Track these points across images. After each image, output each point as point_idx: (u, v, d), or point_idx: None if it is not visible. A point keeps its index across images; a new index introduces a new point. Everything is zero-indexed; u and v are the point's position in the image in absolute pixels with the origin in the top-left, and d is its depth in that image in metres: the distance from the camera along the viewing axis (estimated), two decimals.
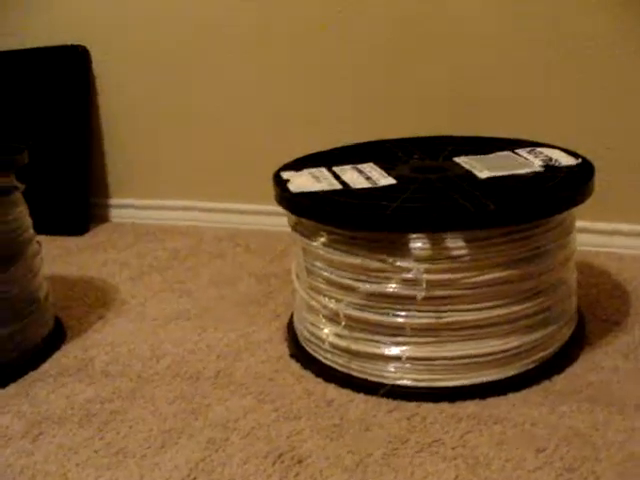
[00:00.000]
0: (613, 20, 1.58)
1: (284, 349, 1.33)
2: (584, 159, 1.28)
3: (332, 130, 1.83)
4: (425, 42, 1.74)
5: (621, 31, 1.58)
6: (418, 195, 1.14)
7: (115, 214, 2.19)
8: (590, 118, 1.65)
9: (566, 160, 1.28)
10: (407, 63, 1.77)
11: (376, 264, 1.11)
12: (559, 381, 1.17)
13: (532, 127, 1.61)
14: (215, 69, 1.97)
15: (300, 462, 1.03)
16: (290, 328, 1.37)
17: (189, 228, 2.05)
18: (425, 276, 1.09)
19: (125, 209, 2.17)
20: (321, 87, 1.87)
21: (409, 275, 1.09)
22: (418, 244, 1.09)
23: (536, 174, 1.22)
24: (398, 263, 1.10)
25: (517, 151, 1.35)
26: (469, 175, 1.23)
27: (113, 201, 2.19)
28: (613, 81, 1.61)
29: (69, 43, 2.05)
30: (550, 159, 1.29)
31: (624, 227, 1.68)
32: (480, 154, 1.34)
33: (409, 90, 1.79)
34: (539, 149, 1.35)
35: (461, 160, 1.31)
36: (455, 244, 1.08)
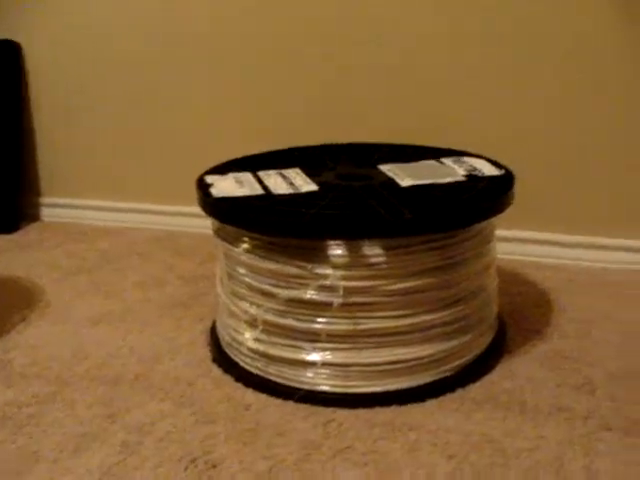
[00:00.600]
0: (525, 28, 1.60)
1: (206, 353, 1.33)
2: (506, 169, 1.30)
3: (266, 133, 1.83)
4: (354, 49, 1.75)
5: (543, 35, 1.60)
6: (337, 202, 1.14)
7: (47, 213, 2.17)
8: (515, 129, 1.67)
9: (489, 170, 1.30)
10: (338, 70, 1.78)
11: (295, 270, 1.12)
12: (475, 388, 1.19)
13: (463, 137, 1.62)
14: (148, 70, 1.96)
15: (214, 467, 1.02)
16: (213, 332, 1.37)
17: (120, 229, 2.04)
18: (342, 283, 1.09)
19: (57, 208, 2.15)
20: (254, 89, 1.87)
21: (326, 282, 1.10)
22: (335, 251, 1.09)
23: (457, 183, 1.23)
24: (316, 270, 1.10)
25: (442, 160, 1.36)
26: (391, 183, 1.24)
27: (45, 200, 2.17)
28: (537, 95, 1.64)
29: (1, 38, 2.03)
30: (473, 168, 1.30)
31: (550, 236, 1.71)
32: (406, 162, 1.35)
33: (342, 97, 1.79)
34: (464, 158, 1.37)
35: (385, 168, 1.32)
36: (372, 251, 1.09)
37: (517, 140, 1.67)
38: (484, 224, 1.20)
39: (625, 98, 1.59)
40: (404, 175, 1.26)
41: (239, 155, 1.44)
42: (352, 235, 1.08)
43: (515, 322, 1.40)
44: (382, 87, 1.75)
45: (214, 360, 1.30)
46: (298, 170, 1.32)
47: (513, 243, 1.68)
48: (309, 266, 1.11)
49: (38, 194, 2.17)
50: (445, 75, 1.70)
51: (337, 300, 1.10)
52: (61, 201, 2.14)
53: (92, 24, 1.97)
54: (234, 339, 1.25)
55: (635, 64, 1.56)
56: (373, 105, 1.77)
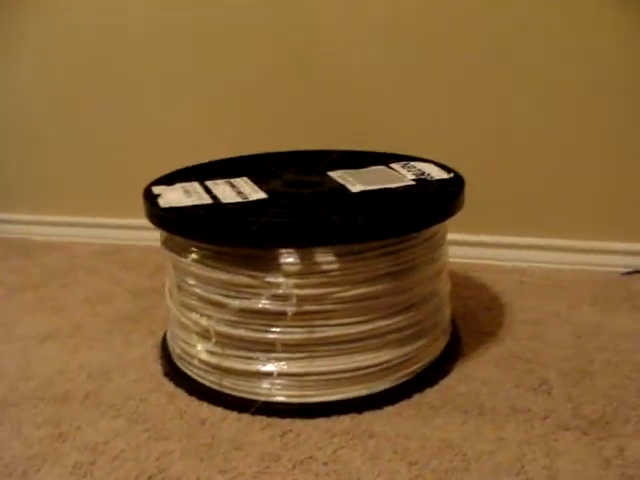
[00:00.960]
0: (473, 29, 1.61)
1: (158, 367, 1.30)
2: (456, 173, 1.30)
3: (212, 143, 1.81)
4: (305, 56, 1.74)
5: (483, 41, 1.61)
6: (287, 210, 1.12)
7: None
8: (462, 133, 1.67)
9: (438, 174, 1.29)
10: (284, 77, 1.77)
11: (246, 280, 1.10)
12: (433, 393, 1.18)
13: (412, 142, 1.62)
14: (92, 83, 1.92)
15: None
16: (164, 346, 1.34)
17: (64, 244, 2.00)
18: (295, 291, 1.08)
19: None
20: (202, 100, 1.85)
21: (279, 291, 1.08)
22: (287, 259, 1.07)
23: (408, 188, 1.22)
24: (267, 279, 1.08)
25: (391, 165, 1.36)
26: (341, 189, 1.23)
27: None
28: (483, 99, 1.65)
29: None
30: (422, 173, 1.30)
31: (499, 239, 1.71)
32: (355, 168, 1.34)
33: (286, 104, 1.78)
34: (413, 163, 1.36)
35: (335, 174, 1.31)
36: (324, 258, 1.07)
37: (464, 144, 1.67)
38: (436, 228, 1.20)
39: (576, 97, 1.60)
40: (354, 181, 1.25)
41: (186, 166, 1.42)
42: (304, 242, 1.06)
43: (468, 325, 1.40)
44: (327, 94, 1.75)
45: (166, 374, 1.27)
46: (246, 179, 1.30)
47: (463, 247, 1.68)
48: (260, 275, 1.09)
49: None
50: (390, 80, 1.70)
51: (291, 309, 1.08)
52: (3, 216, 2.10)
53: (27, 33, 1.94)
54: (186, 352, 1.23)
55: (573, 58, 1.58)
56: (320, 112, 1.76)
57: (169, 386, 1.24)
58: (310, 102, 1.76)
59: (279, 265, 1.08)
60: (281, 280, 1.08)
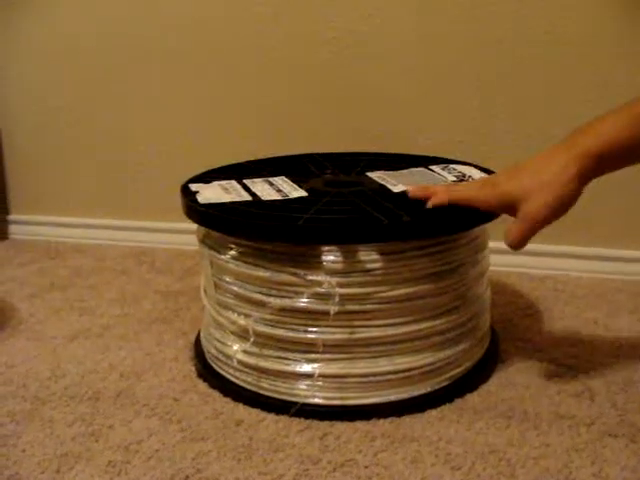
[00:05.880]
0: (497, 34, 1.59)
1: (190, 368, 1.28)
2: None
3: (241, 147, 1.79)
4: (337, 57, 1.73)
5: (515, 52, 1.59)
6: (330, 207, 1.10)
7: (15, 231, 2.10)
8: (500, 140, 1.65)
9: (479, 176, 1.27)
10: (318, 77, 1.75)
11: (287, 277, 1.07)
12: (474, 398, 1.15)
13: (446, 148, 1.61)
14: (119, 83, 1.91)
15: None
16: (197, 346, 1.32)
17: (92, 246, 1.99)
18: (338, 290, 1.05)
19: (25, 226, 2.09)
20: (228, 103, 1.83)
21: (321, 289, 1.06)
22: (330, 257, 1.05)
23: None
24: (310, 277, 1.06)
25: (431, 167, 1.34)
26: (383, 189, 1.20)
27: (13, 217, 2.11)
28: (522, 105, 1.63)
29: None
30: (463, 175, 1.28)
31: (534, 247, 1.68)
32: (394, 170, 1.32)
33: (320, 105, 1.77)
34: (452, 166, 1.34)
35: (374, 175, 1.29)
36: (369, 257, 1.05)
37: (499, 150, 1.65)
38: (479, 229, 1.18)
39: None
40: (395, 181, 1.23)
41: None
42: (350, 240, 1.04)
43: (506, 332, 1.38)
44: (361, 97, 1.73)
45: (199, 375, 1.25)
46: (284, 177, 1.28)
47: (498, 254, 1.65)
48: (302, 273, 1.07)
49: (6, 212, 2.11)
50: (422, 85, 1.68)
51: (333, 308, 1.06)
52: (30, 218, 2.09)
53: (57, 39, 1.93)
54: (221, 352, 1.20)
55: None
56: (351, 115, 1.74)
57: (203, 386, 1.22)
58: (341, 105, 1.75)
59: (322, 263, 1.06)
60: (324, 278, 1.05)
